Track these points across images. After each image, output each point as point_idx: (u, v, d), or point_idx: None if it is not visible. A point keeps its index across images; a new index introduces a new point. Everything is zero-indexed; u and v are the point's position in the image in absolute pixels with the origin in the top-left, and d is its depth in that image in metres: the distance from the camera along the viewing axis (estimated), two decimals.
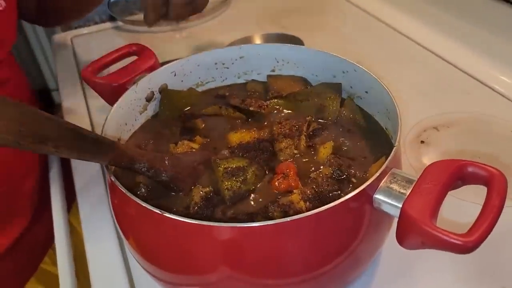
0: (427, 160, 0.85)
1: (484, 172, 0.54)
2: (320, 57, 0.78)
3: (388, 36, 1.25)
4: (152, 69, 0.79)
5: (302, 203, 0.61)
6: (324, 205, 0.60)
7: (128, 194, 0.56)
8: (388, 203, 0.55)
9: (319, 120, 0.75)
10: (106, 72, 0.79)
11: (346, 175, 0.65)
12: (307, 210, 0.60)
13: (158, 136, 0.76)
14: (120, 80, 0.77)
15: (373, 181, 0.55)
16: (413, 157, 0.85)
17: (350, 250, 0.58)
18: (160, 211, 0.53)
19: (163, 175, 0.64)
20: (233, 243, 0.53)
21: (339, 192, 0.64)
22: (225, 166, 0.66)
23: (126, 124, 0.74)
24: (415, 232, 0.50)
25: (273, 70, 0.84)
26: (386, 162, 0.57)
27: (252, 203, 0.64)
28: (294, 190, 0.64)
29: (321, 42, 1.21)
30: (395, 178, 0.56)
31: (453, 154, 0.86)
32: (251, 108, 0.77)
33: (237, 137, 0.73)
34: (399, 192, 0.55)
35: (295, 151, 0.70)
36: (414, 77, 1.08)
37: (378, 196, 0.55)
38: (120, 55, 0.82)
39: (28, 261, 1.04)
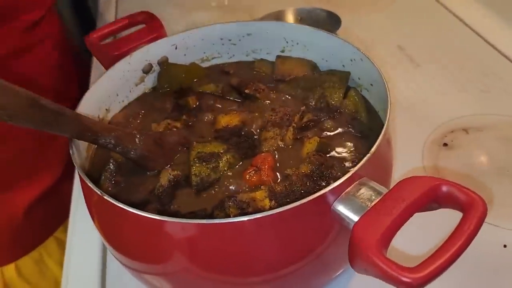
0: (444, 167, 0.75)
1: (462, 196, 0.46)
2: (328, 41, 0.71)
3: (442, 22, 1.12)
4: (157, 39, 0.76)
5: (266, 201, 0.56)
6: None
7: (84, 177, 0.54)
8: (345, 216, 0.48)
9: (316, 111, 0.68)
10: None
11: (325, 176, 0.59)
12: (271, 208, 0.56)
13: (150, 110, 0.74)
14: (121, 49, 0.74)
15: (333, 188, 0.49)
16: (429, 162, 0.76)
17: (309, 257, 0.53)
18: (101, 193, 0.51)
19: (132, 153, 0.61)
20: (180, 237, 0.50)
21: (310, 193, 0.57)
22: (198, 150, 0.63)
23: (117, 95, 0.73)
24: (359, 256, 0.44)
25: (282, 51, 0.78)
26: (355, 168, 0.50)
27: (219, 193, 0.60)
28: (262, 186, 0.59)
29: (362, 22, 1.11)
30: (362, 188, 0.50)
31: (476, 164, 0.75)
32: (246, 91, 0.72)
33: (225, 120, 0.69)
34: (360, 205, 0.48)
35: (280, 143, 0.64)
36: (456, 69, 0.96)
37: (337, 206, 0.49)
38: (127, 23, 0.80)
39: (57, 212, 1.08)
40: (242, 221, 0.47)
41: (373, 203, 0.48)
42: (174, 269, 0.54)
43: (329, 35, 0.71)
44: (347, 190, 0.50)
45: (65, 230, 0.84)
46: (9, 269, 1.03)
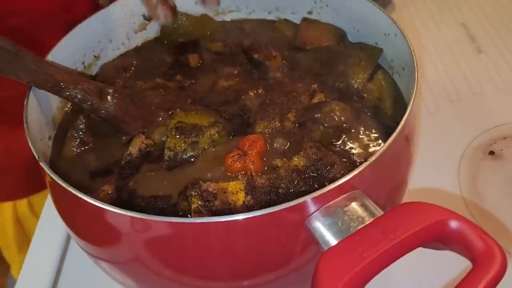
0: (484, 180, 0.61)
1: (476, 241, 0.34)
2: (362, 7, 0.58)
3: None
4: None
5: (241, 195, 0.46)
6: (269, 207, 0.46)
7: (30, 141, 0.46)
8: (319, 236, 0.37)
9: (331, 91, 0.56)
10: None
11: (321, 175, 0.48)
12: (244, 206, 0.46)
13: (146, 63, 0.64)
14: None
15: (315, 197, 0.38)
16: (467, 171, 0.62)
17: (277, 271, 0.43)
18: (45, 165, 0.43)
19: (102, 111, 0.53)
20: (123, 229, 0.42)
21: (300, 195, 0.46)
22: (179, 119, 0.53)
23: (110, 41, 0.64)
24: None
25: (310, 12, 0.65)
26: (347, 177, 0.39)
27: (191, 174, 0.50)
28: (240, 175, 0.48)
29: None
30: (351, 203, 0.38)
31: None
32: (255, 56, 0.60)
33: (222, 86, 0.58)
34: (341, 227, 0.37)
35: (278, 125, 0.53)
36: None
37: (313, 221, 0.38)
38: None
39: None
40: (186, 222, 0.38)
41: (359, 227, 0.36)
42: (123, 259, 0.46)
43: (364, 1, 0.57)
44: (330, 203, 0.39)
45: None
46: (22, 204, 1.01)
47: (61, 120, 0.58)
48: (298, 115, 0.53)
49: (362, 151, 0.50)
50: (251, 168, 0.49)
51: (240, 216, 0.37)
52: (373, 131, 0.52)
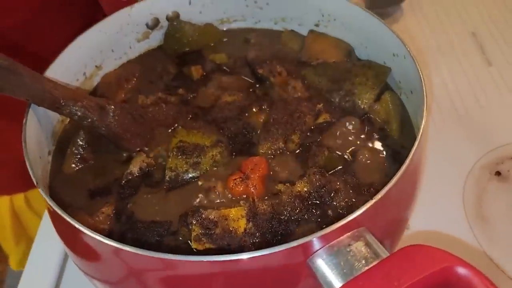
0: (490, 202, 0.60)
1: None
2: (371, 25, 0.56)
3: None
4: None
5: (242, 222, 0.45)
6: (272, 235, 0.45)
7: (30, 169, 0.45)
8: (323, 276, 0.37)
9: (336, 111, 0.54)
10: None
11: (324, 203, 0.47)
12: (245, 233, 0.45)
13: (148, 72, 0.63)
14: None
15: (321, 236, 0.37)
16: (472, 192, 0.61)
17: None
18: (45, 196, 0.42)
19: (103, 128, 0.51)
20: (123, 263, 0.41)
21: (302, 222, 0.46)
22: (181, 138, 0.52)
23: (113, 51, 0.62)
24: None
25: (317, 25, 0.63)
26: (352, 215, 0.38)
27: (193, 196, 0.49)
28: (242, 201, 0.47)
29: None
30: (356, 243, 0.38)
31: None
32: (259, 71, 0.59)
33: (225, 103, 0.57)
34: (346, 267, 0.36)
35: (282, 146, 0.52)
36: None
37: (316, 260, 0.37)
38: None
39: None
40: (185, 260, 0.37)
41: (363, 270, 0.36)
42: (119, 281, 0.45)
43: (371, 17, 0.56)
44: (334, 242, 0.38)
45: None
46: (19, 199, 1.01)
47: (60, 133, 0.57)
48: (302, 136, 0.52)
49: (367, 177, 0.49)
50: (252, 192, 0.48)
51: (243, 256, 0.36)
52: (380, 155, 0.51)
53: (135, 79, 0.61)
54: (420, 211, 0.54)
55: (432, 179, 0.59)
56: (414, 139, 0.51)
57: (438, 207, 0.58)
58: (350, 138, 0.52)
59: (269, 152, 0.52)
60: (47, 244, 0.64)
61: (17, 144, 0.92)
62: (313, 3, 0.61)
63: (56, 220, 0.46)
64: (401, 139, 0.52)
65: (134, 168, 0.51)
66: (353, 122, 0.53)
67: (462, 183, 0.62)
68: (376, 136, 0.52)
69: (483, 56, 0.80)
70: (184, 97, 0.59)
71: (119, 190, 0.50)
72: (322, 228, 0.43)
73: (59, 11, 0.84)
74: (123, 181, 0.51)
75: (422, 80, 0.47)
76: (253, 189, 0.48)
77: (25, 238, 1.03)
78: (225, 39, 0.66)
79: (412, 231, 0.50)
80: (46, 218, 0.68)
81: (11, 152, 0.92)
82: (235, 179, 0.49)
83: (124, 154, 0.54)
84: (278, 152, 0.52)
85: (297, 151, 0.52)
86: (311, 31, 0.63)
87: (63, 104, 0.49)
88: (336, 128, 0.52)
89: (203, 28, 0.65)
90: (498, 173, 0.63)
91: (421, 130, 0.43)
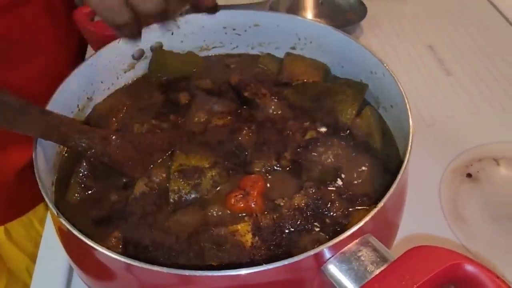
0: (465, 203, 0.65)
1: (490, 284, 0.36)
2: (347, 45, 0.61)
3: (487, 23, 0.97)
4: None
5: (249, 236, 0.48)
6: (277, 247, 0.48)
7: (46, 196, 0.47)
8: (339, 282, 0.40)
9: (321, 130, 0.58)
10: None
11: (321, 213, 0.50)
12: (252, 247, 0.47)
13: (137, 102, 0.64)
14: (111, 29, 0.65)
15: (332, 245, 0.40)
16: (447, 195, 0.66)
17: None
18: (58, 214, 0.44)
19: (106, 158, 0.53)
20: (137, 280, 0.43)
21: (303, 232, 0.49)
22: (181, 162, 0.54)
23: (102, 82, 0.64)
24: None
25: (293, 48, 0.67)
26: (359, 224, 0.41)
27: (198, 214, 0.51)
28: (246, 217, 0.50)
29: (392, 14, 0.98)
30: (364, 249, 0.41)
31: (507, 204, 0.65)
32: (245, 94, 0.62)
33: (216, 126, 0.59)
34: (359, 272, 0.39)
35: (275, 163, 0.55)
36: (496, 83, 0.84)
37: (329, 268, 0.40)
38: None
39: None
40: (205, 276, 0.39)
41: (375, 273, 0.39)
42: None
43: (348, 39, 0.60)
44: (344, 249, 0.41)
45: None
46: None
47: (60, 164, 0.57)
48: (293, 153, 0.56)
49: (357, 187, 0.53)
50: (253, 207, 0.51)
51: (262, 268, 0.39)
52: (365, 166, 0.55)
53: (125, 108, 0.63)
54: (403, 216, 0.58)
55: (410, 186, 0.64)
56: (395, 148, 0.56)
57: (419, 211, 0.61)
58: (338, 152, 0.55)
59: (263, 170, 0.55)
60: (50, 264, 0.63)
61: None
62: (289, 28, 0.65)
63: (69, 240, 0.47)
64: (384, 150, 0.57)
65: (138, 192, 0.53)
66: (339, 137, 0.57)
67: (437, 187, 0.67)
68: (361, 149, 0.56)
69: (442, 67, 0.86)
70: (175, 122, 0.61)
71: (124, 215, 0.51)
72: (325, 236, 0.48)
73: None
74: (128, 207, 0.52)
75: (405, 96, 0.52)
76: (254, 204, 0.51)
77: (6, 271, 1.00)
78: (206, 65, 0.69)
79: (399, 235, 0.54)
80: (47, 239, 0.68)
81: None
82: (236, 196, 0.51)
83: (124, 180, 0.55)
84: (272, 169, 0.55)
85: (290, 167, 0.55)
86: (288, 54, 0.67)
87: (69, 137, 0.51)
88: (323, 144, 0.56)
89: (184, 56, 0.68)
90: (469, 175, 0.68)
91: (410, 139, 0.47)
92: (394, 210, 0.48)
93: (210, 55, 0.70)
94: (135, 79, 0.67)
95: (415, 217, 0.60)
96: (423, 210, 0.63)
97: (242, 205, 0.51)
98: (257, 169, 0.55)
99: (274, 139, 0.57)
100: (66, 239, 0.50)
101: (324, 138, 0.57)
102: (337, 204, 0.50)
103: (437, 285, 0.37)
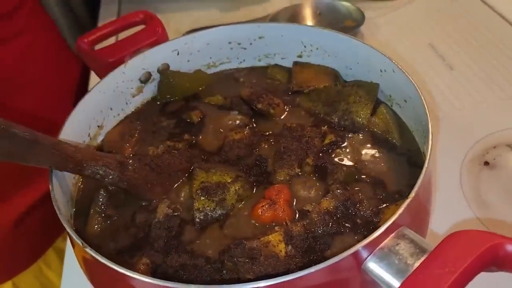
0: (487, 191, 0.65)
1: None
2: (355, 48, 0.61)
3: (479, 18, 0.98)
4: (157, 43, 0.67)
5: (282, 245, 0.47)
6: (312, 253, 0.47)
7: (66, 226, 0.46)
8: (381, 278, 0.39)
9: (339, 131, 0.58)
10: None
11: (351, 214, 0.50)
12: (286, 256, 0.47)
13: (149, 125, 0.64)
14: (115, 55, 0.66)
15: (369, 242, 0.40)
16: (469, 184, 0.66)
17: None
18: (83, 244, 0.43)
19: (124, 183, 0.53)
20: None
21: (336, 235, 0.48)
22: (202, 180, 0.54)
23: (111, 109, 0.64)
24: None
25: (300, 56, 0.68)
26: (394, 217, 0.41)
27: (225, 231, 0.51)
28: (276, 227, 0.50)
29: (389, 17, 0.99)
30: (401, 242, 0.41)
31: None
32: (258, 106, 0.62)
33: (232, 141, 0.59)
34: (400, 266, 0.39)
35: (298, 170, 0.55)
36: (497, 73, 0.84)
37: (369, 265, 0.40)
38: (124, 25, 0.71)
39: (55, 219, 1.00)
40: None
41: (416, 264, 0.39)
42: None
43: (355, 41, 0.61)
44: (382, 245, 0.41)
45: (65, 239, 0.75)
46: (6, 287, 0.96)
47: (77, 196, 0.57)
48: (315, 158, 0.56)
49: (384, 184, 0.53)
50: (281, 216, 0.50)
51: (303, 273, 0.38)
52: (389, 163, 0.55)
53: (137, 133, 0.63)
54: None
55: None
56: (415, 142, 0.56)
57: (443, 203, 0.62)
58: (360, 152, 0.55)
59: (287, 178, 0.54)
60: None
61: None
62: (294, 36, 0.66)
63: (97, 272, 0.46)
64: (404, 145, 0.57)
65: (161, 215, 0.52)
66: (359, 138, 0.57)
67: (458, 177, 0.67)
68: (382, 146, 0.56)
69: (444, 62, 0.87)
70: (190, 141, 0.61)
71: (149, 240, 0.51)
72: (358, 236, 0.47)
73: None
74: (153, 233, 0.51)
75: (417, 87, 0.52)
76: (282, 213, 0.50)
77: None
78: (215, 82, 0.69)
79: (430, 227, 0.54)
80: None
81: None
82: (263, 206, 0.51)
83: (144, 203, 0.55)
84: (296, 176, 0.55)
85: (313, 172, 0.55)
86: (296, 63, 0.68)
87: (85, 165, 0.50)
88: (344, 146, 0.56)
89: (192, 74, 0.68)
90: (486, 163, 0.68)
91: (430, 130, 0.47)
92: (424, 199, 0.47)
93: (217, 71, 0.71)
94: (144, 102, 0.68)
95: (441, 208, 0.60)
96: (447, 201, 0.63)
97: (270, 214, 0.50)
98: (281, 178, 0.54)
99: (294, 146, 0.56)
100: (94, 270, 0.49)
101: (344, 140, 0.57)
102: (366, 203, 0.50)
103: (479, 268, 0.37)
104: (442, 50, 0.90)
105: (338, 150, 0.56)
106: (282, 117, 0.61)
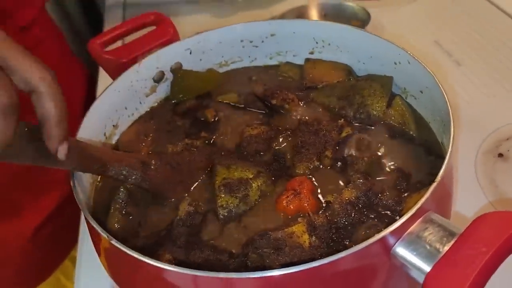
0: (503, 181, 0.65)
1: None
2: (367, 41, 0.61)
3: (482, 14, 0.99)
4: (169, 42, 0.67)
5: (306, 236, 0.47)
6: (334, 244, 0.47)
7: (90, 219, 0.46)
8: (411, 263, 0.39)
9: (356, 124, 0.58)
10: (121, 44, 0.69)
11: (374, 204, 0.50)
12: (311, 247, 0.47)
13: (163, 125, 0.64)
14: (128, 56, 0.66)
15: (395, 229, 0.39)
16: (484, 176, 0.66)
17: None
18: (108, 237, 0.43)
19: (146, 183, 0.53)
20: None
21: (358, 225, 0.48)
22: (224, 176, 0.54)
23: (126, 108, 0.64)
24: None
25: (311, 53, 0.68)
26: (421, 201, 0.41)
27: (248, 226, 0.51)
28: (299, 219, 0.49)
29: (393, 16, 1.00)
30: (430, 226, 0.41)
31: None
32: (273, 102, 0.62)
33: (249, 137, 0.59)
34: (429, 250, 0.39)
35: (317, 163, 0.55)
36: (503, 67, 0.85)
37: (398, 251, 0.40)
38: (135, 26, 0.71)
39: (70, 230, 0.98)
40: (275, 275, 0.38)
41: (446, 248, 0.38)
42: None
43: (368, 35, 0.61)
44: (410, 230, 0.41)
45: None
46: None
47: (94, 195, 0.57)
48: (334, 151, 0.56)
49: (405, 173, 0.53)
50: (306, 206, 0.50)
51: (338, 256, 0.38)
52: (407, 152, 0.55)
53: (152, 133, 0.63)
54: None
55: None
56: (432, 132, 0.56)
57: (460, 195, 0.62)
58: (377, 144, 0.55)
59: (307, 171, 0.54)
60: None
61: (8, 243, 0.88)
62: (306, 33, 0.66)
63: (122, 267, 0.46)
64: (421, 135, 0.57)
65: (183, 213, 0.52)
66: (376, 130, 0.57)
67: (473, 170, 0.67)
68: (399, 137, 0.56)
69: (451, 58, 0.88)
70: (208, 139, 0.61)
71: (172, 238, 0.50)
72: (382, 225, 0.47)
73: None
74: (175, 229, 0.51)
75: (434, 76, 0.52)
76: (307, 203, 0.50)
77: None
78: (228, 81, 0.69)
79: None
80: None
81: (9, 251, 0.89)
82: (288, 196, 0.51)
83: (165, 203, 0.55)
84: (315, 169, 0.55)
85: (333, 165, 0.55)
86: (307, 59, 0.68)
87: (109, 166, 0.50)
88: (362, 138, 0.56)
89: (205, 73, 0.69)
90: (500, 155, 0.68)
91: (451, 116, 0.47)
92: (448, 185, 0.47)
93: (229, 69, 0.71)
94: (157, 102, 0.68)
95: (459, 200, 0.60)
96: (465, 193, 0.63)
97: (295, 205, 0.50)
98: (300, 172, 0.54)
99: (311, 140, 0.56)
100: (119, 265, 0.49)
101: (361, 133, 0.57)
102: (387, 193, 0.50)
103: (509, 250, 0.37)
104: (448, 47, 0.90)
105: (356, 142, 0.56)
106: (297, 112, 0.61)
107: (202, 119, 0.64)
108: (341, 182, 0.53)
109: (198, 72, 0.68)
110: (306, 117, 0.60)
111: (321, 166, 0.55)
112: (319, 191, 0.52)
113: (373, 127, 0.58)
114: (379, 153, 0.54)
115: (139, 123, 0.65)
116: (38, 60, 0.38)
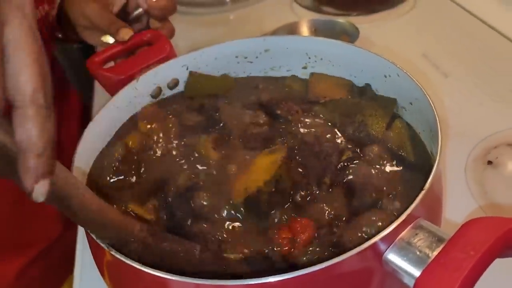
0: (493, 188, 0.67)
1: None
2: (358, 55, 0.64)
3: (466, 27, 1.03)
4: (165, 60, 0.69)
5: None
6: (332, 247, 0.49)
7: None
8: (401, 269, 0.41)
9: (355, 145, 0.59)
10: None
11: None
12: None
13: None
14: (126, 72, 0.68)
15: (387, 233, 0.41)
16: (475, 183, 0.68)
17: None
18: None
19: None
20: None
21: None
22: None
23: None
24: None
25: (304, 67, 0.70)
26: (410, 208, 0.43)
27: None
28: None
29: (381, 31, 1.04)
30: (419, 233, 0.42)
31: None
32: (277, 112, 0.63)
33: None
34: (419, 256, 0.41)
35: (315, 189, 0.54)
36: (489, 77, 0.88)
37: (390, 257, 0.42)
38: (132, 44, 0.73)
39: (61, 266, 0.92)
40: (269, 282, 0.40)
41: (435, 253, 0.40)
42: None
43: (358, 49, 0.64)
44: (400, 236, 0.42)
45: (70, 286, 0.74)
46: None
47: None
48: (333, 176, 0.55)
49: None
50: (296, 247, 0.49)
51: (323, 265, 0.39)
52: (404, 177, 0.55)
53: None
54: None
55: None
56: (420, 147, 0.58)
57: (451, 202, 0.63)
58: (375, 168, 0.55)
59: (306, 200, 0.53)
60: None
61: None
62: (299, 48, 0.68)
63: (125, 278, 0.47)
64: (418, 159, 0.56)
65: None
66: (374, 152, 0.57)
67: (464, 177, 0.69)
68: (395, 160, 0.56)
69: (438, 70, 0.91)
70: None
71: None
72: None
73: None
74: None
75: (423, 90, 0.55)
76: (298, 245, 0.49)
77: None
78: (236, 87, 0.71)
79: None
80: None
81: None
82: (284, 238, 0.49)
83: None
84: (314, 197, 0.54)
85: (330, 191, 0.54)
86: (312, 74, 0.69)
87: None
88: (360, 164, 0.56)
89: (220, 78, 0.71)
90: (489, 162, 0.71)
91: (438, 128, 0.49)
92: (438, 190, 0.49)
93: (238, 77, 0.72)
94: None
95: (450, 206, 0.62)
96: (456, 200, 0.64)
97: (287, 247, 0.49)
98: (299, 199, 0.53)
99: (312, 164, 0.56)
100: (120, 277, 0.50)
101: (360, 157, 0.56)
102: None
103: (498, 252, 0.39)
104: (436, 60, 0.93)
105: (353, 165, 0.56)
106: (300, 125, 0.62)
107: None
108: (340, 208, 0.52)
109: (213, 77, 0.70)
110: (307, 132, 0.60)
111: (319, 192, 0.54)
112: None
113: (371, 148, 0.57)
114: (374, 177, 0.54)
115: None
116: None
